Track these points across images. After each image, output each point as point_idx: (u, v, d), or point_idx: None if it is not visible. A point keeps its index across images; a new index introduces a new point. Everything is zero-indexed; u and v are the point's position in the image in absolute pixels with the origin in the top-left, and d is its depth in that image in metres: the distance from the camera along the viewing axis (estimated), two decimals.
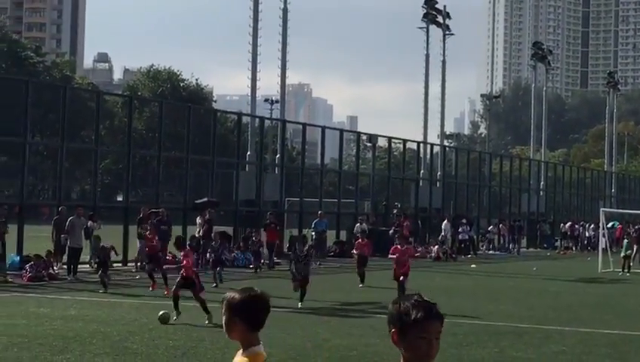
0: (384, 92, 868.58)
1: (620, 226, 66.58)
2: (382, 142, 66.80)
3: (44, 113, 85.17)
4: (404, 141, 62.34)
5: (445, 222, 54.75)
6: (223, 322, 5.32)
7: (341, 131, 56.71)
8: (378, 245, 42.92)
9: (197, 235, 38.37)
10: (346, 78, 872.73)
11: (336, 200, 54.63)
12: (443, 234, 53.96)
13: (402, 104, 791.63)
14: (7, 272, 30.58)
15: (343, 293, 28.38)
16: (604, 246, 46.62)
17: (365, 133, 62.22)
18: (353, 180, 60.09)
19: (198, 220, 38.75)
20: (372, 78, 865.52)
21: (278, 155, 52.22)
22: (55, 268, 32.16)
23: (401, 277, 25.29)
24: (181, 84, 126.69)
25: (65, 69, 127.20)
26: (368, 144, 66.17)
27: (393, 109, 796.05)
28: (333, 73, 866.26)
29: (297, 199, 52.73)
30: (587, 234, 69.25)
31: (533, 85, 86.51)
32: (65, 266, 33.03)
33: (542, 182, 76.75)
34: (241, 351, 5.29)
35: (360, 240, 34.18)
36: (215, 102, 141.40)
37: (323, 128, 54.45)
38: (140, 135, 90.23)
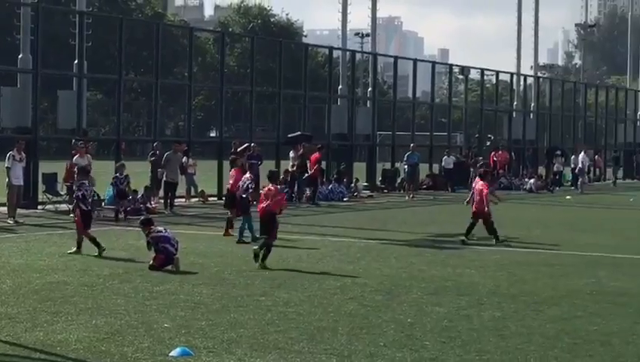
0: (477, 24, 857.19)
1: None
2: (474, 75, 66.07)
3: (137, 51, 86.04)
4: (497, 73, 61.59)
5: (582, 154, 52.38)
6: None
7: (433, 63, 56.31)
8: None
9: (290, 169, 38.61)
10: (439, 9, 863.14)
11: (428, 133, 54.42)
12: (579, 165, 51.61)
13: (495, 36, 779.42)
14: (106, 206, 31.06)
15: (436, 225, 28.36)
16: None
17: (457, 65, 61.56)
18: (445, 113, 59.70)
19: (291, 154, 38.90)
20: (465, 11, 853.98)
21: (369, 89, 52.18)
22: (152, 202, 32.64)
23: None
24: (271, 20, 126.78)
25: (156, 6, 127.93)
26: (460, 76, 65.64)
27: (485, 42, 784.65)
28: (424, 5, 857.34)
29: (389, 133, 52.77)
30: None
31: (629, 13, 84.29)
32: (161, 200, 33.54)
33: (639, 113, 75.17)
34: None
35: None
36: (305, 37, 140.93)
37: (414, 61, 54.22)
38: (232, 71, 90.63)
